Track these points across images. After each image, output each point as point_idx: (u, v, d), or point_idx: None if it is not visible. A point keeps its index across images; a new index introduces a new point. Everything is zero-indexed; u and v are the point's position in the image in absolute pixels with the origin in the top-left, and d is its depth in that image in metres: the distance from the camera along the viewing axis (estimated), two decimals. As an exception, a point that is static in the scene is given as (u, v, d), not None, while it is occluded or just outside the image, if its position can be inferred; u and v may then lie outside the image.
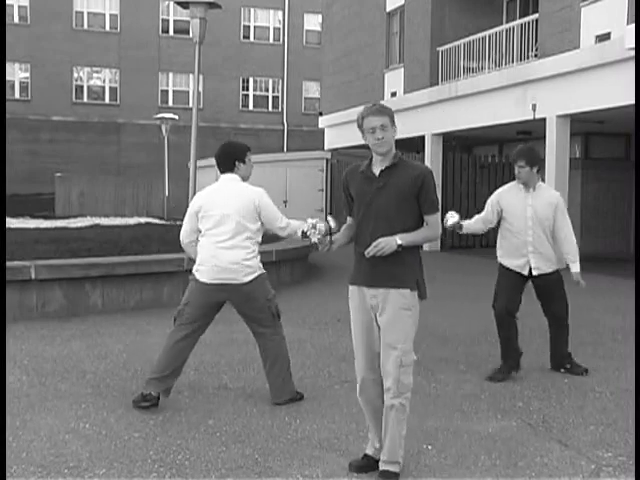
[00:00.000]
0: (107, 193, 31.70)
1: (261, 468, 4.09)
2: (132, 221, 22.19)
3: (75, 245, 10.97)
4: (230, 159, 5.26)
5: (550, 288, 6.16)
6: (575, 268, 6.10)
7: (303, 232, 3.99)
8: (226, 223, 5.09)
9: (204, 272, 5.14)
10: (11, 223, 17.06)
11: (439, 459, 4.22)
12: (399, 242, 3.81)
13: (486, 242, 19.47)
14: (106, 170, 34.98)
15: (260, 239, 5.27)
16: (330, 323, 8.47)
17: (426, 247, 18.89)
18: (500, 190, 6.28)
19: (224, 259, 5.06)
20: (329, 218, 4.00)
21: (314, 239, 3.91)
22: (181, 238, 5.42)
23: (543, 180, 6.18)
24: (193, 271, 5.23)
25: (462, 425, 4.81)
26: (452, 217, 6.00)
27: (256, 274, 5.15)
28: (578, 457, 4.29)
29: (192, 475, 4.00)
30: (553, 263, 6.13)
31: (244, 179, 5.31)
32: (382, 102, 3.84)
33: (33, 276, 8.48)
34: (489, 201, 6.27)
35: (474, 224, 6.27)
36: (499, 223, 6.23)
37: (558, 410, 5.20)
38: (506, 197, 6.15)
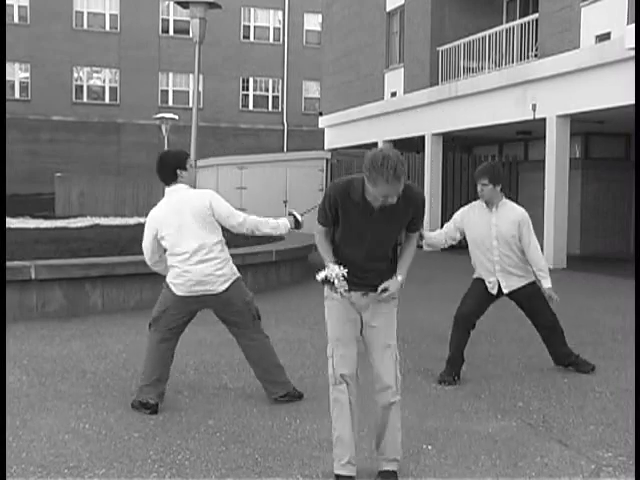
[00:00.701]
0: (107, 193, 31.72)
1: (261, 468, 4.08)
2: (132, 221, 22.18)
3: (75, 245, 10.97)
4: (171, 169, 5.16)
5: (527, 301, 6.14)
6: (547, 284, 6.04)
7: (328, 280, 3.75)
8: (186, 240, 5.02)
9: (179, 286, 5.11)
10: (11, 223, 17.06)
11: (439, 459, 4.22)
12: (401, 278, 3.93)
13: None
14: (106, 170, 34.99)
15: (225, 244, 5.18)
16: (330, 323, 8.45)
17: (426, 247, 18.88)
18: (465, 209, 6.21)
19: (196, 273, 5.02)
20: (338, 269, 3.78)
21: (341, 289, 3.76)
22: (146, 259, 5.36)
23: (507, 196, 6.10)
24: (167, 281, 5.19)
25: (462, 425, 4.81)
26: None
27: (231, 281, 5.11)
28: (578, 457, 4.29)
29: (192, 475, 3.99)
30: (525, 277, 6.08)
31: (191, 185, 5.24)
32: (386, 150, 3.57)
33: (33, 276, 8.48)
34: (453, 218, 6.23)
35: (436, 236, 6.20)
36: (464, 239, 6.21)
37: (558, 410, 5.20)
38: (470, 216, 6.09)
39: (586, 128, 16.87)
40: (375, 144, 21.78)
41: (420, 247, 5.62)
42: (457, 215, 6.23)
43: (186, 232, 5.03)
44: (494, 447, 4.44)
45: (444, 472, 4.06)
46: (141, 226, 20.35)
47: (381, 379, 3.89)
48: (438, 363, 6.48)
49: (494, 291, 6.05)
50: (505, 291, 6.05)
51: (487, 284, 6.06)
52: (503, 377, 6.10)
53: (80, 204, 31.17)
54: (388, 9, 21.67)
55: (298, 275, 12.33)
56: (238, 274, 5.21)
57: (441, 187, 19.18)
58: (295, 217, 5.35)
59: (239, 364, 6.41)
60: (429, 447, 4.37)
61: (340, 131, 24.37)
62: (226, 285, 5.08)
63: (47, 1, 34.85)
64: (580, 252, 17.20)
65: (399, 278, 3.91)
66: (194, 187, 5.32)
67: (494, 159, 20.37)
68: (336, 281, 3.73)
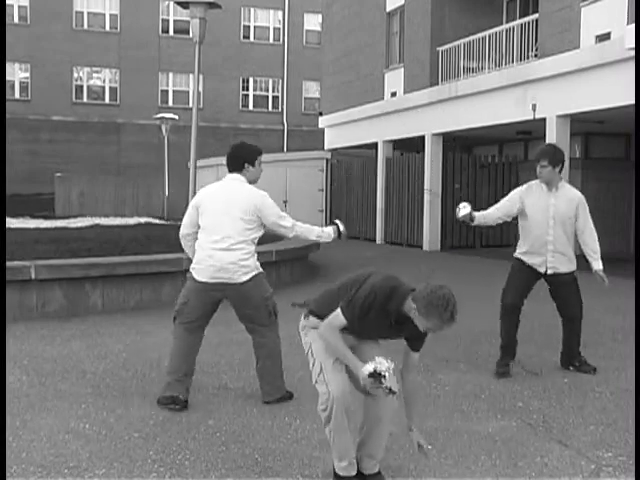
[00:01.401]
0: (107, 193, 31.72)
1: (261, 468, 4.09)
2: (132, 221, 22.20)
3: (75, 245, 10.97)
4: (239, 161, 5.27)
5: (565, 288, 6.20)
6: (597, 265, 6.13)
7: (378, 374, 3.46)
8: (223, 222, 5.09)
9: (200, 271, 5.14)
10: (11, 223, 17.06)
11: (439, 459, 4.22)
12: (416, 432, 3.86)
13: (486, 242, 19.50)
14: (106, 170, 34.98)
15: (256, 240, 5.25)
16: (330, 323, 8.45)
17: (426, 247, 18.91)
18: (523, 187, 6.28)
19: (220, 259, 5.06)
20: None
21: (387, 385, 3.48)
22: (180, 231, 5.43)
23: (562, 175, 6.18)
24: (190, 269, 5.24)
25: (462, 425, 4.81)
26: (464, 208, 6.01)
27: (253, 274, 5.14)
28: (578, 457, 4.29)
29: (192, 475, 4.00)
30: (571, 264, 6.17)
31: (251, 182, 5.30)
32: (443, 289, 3.49)
33: (33, 276, 8.48)
34: (511, 195, 6.29)
35: (490, 214, 6.28)
36: (515, 218, 6.25)
37: (558, 410, 5.20)
38: (529, 195, 6.17)
39: (586, 128, 16.87)
40: (375, 144, 21.80)
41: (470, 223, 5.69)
42: (515, 193, 6.28)
43: (225, 219, 5.08)
44: (494, 447, 4.44)
45: (444, 472, 4.06)
46: (141, 226, 20.29)
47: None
48: (438, 362, 6.48)
49: (542, 269, 6.10)
50: (550, 272, 6.10)
51: (535, 262, 6.10)
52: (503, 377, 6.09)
53: (80, 204, 31.17)
54: (388, 9, 21.66)
55: (298, 275, 12.33)
56: (261, 270, 5.24)
57: (441, 187, 19.18)
58: (338, 227, 5.44)
59: (239, 364, 6.41)
60: (429, 447, 4.36)
61: (340, 131, 24.36)
62: (247, 277, 5.11)
63: (47, 1, 34.84)
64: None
65: (414, 433, 3.84)
66: (254, 183, 5.34)
67: (494, 159, 20.38)
68: (387, 375, 3.45)
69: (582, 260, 6.35)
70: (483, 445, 4.46)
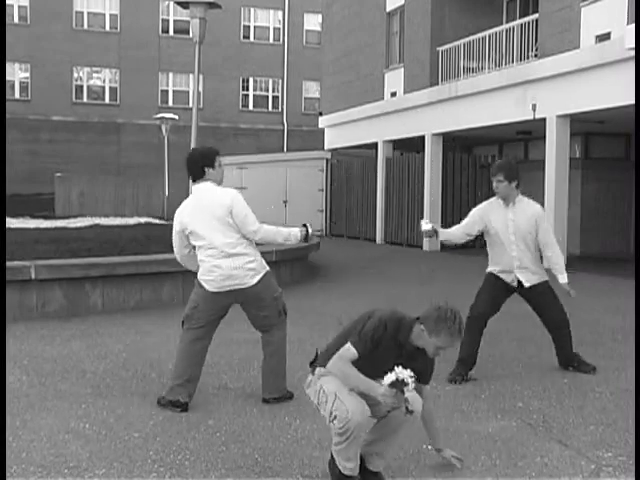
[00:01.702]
0: (107, 193, 31.71)
1: (261, 468, 4.08)
2: (132, 221, 22.19)
3: (75, 245, 10.97)
4: (198, 165, 5.20)
5: (542, 299, 6.16)
6: (563, 279, 6.10)
7: (401, 381, 3.47)
8: (213, 234, 5.06)
9: (209, 282, 5.14)
10: (11, 223, 17.05)
11: (439, 459, 4.22)
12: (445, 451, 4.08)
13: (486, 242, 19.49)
14: (106, 170, 34.98)
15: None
16: (330, 323, 8.46)
17: (426, 247, 18.91)
18: (482, 205, 6.23)
19: (226, 267, 5.07)
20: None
21: (407, 394, 3.51)
22: (175, 255, 5.43)
23: (523, 193, 6.15)
24: (198, 278, 5.22)
25: (462, 425, 4.81)
26: (426, 224, 5.97)
27: (261, 275, 5.15)
28: (578, 457, 4.29)
29: (192, 475, 3.99)
30: (540, 275, 6.13)
31: (218, 183, 5.25)
32: (448, 306, 3.68)
33: (33, 276, 8.48)
34: (471, 214, 6.23)
35: (453, 232, 6.24)
36: (482, 235, 6.24)
37: (558, 410, 5.20)
38: (488, 212, 6.12)
39: (586, 128, 16.87)
40: (375, 144, 21.80)
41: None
42: (476, 211, 6.23)
43: (213, 228, 5.06)
44: (494, 447, 4.44)
45: (444, 472, 4.06)
46: (141, 226, 20.40)
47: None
48: (438, 363, 6.46)
49: (515, 284, 6.09)
50: (526, 285, 6.08)
51: (506, 279, 6.09)
52: (503, 377, 6.10)
53: (80, 204, 31.16)
54: (388, 9, 21.66)
55: (298, 275, 12.33)
56: (268, 268, 5.25)
57: (441, 187, 19.18)
58: (307, 229, 5.42)
59: (239, 364, 6.41)
60: (429, 447, 4.36)
61: (340, 131, 24.37)
62: (256, 279, 5.12)
63: (47, 1, 34.84)
64: (580, 252, 17.19)
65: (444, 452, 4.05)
66: (220, 185, 5.30)
67: (494, 159, 20.38)
68: (410, 381, 3.47)
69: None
70: (483, 445, 4.46)
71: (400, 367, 3.52)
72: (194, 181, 5.24)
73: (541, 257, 6.23)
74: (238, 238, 5.10)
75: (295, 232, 5.35)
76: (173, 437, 4.55)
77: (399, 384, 3.46)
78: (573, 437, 4.63)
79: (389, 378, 3.48)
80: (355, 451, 3.75)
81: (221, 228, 5.06)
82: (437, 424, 4.16)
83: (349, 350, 3.68)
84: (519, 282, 6.09)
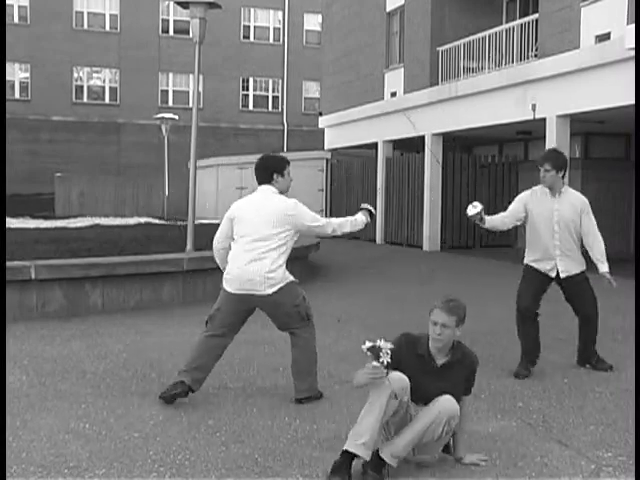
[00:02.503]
0: (107, 193, 31.72)
1: (261, 468, 4.09)
2: (132, 221, 22.21)
3: (75, 245, 10.98)
4: (268, 172, 5.35)
5: (579, 289, 6.24)
6: (604, 268, 6.18)
7: (376, 348, 3.87)
8: (255, 233, 5.17)
9: (230, 281, 5.24)
10: (11, 223, 17.07)
11: (439, 459, 4.22)
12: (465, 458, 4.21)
13: (485, 242, 19.49)
14: (106, 170, 34.99)
15: (288, 252, 5.32)
16: (330, 323, 8.46)
17: (426, 247, 18.91)
18: (527, 192, 6.31)
19: (248, 270, 5.14)
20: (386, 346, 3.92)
21: (386, 359, 3.87)
22: (214, 243, 5.54)
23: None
24: (223, 278, 5.32)
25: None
26: (475, 207, 5.99)
27: (279, 285, 5.19)
28: (578, 457, 4.29)
29: (192, 475, 4.00)
30: (580, 265, 6.23)
31: (282, 192, 5.38)
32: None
33: (33, 276, 8.48)
34: (517, 200, 6.31)
35: (499, 218, 6.32)
36: (523, 224, 6.29)
37: (558, 410, 5.20)
38: (532, 201, 6.20)
39: (586, 128, 16.86)
40: (375, 144, 21.79)
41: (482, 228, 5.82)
42: (520, 199, 6.29)
43: (256, 229, 5.17)
44: (494, 447, 4.44)
45: (444, 472, 4.06)
46: (141, 226, 20.33)
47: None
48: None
49: (553, 274, 6.15)
50: (562, 275, 6.15)
51: (546, 268, 6.15)
52: (503, 377, 6.10)
53: (80, 204, 31.16)
54: (388, 9, 21.66)
55: (298, 275, 12.20)
56: (292, 278, 5.30)
57: (441, 187, 19.17)
58: (369, 210, 5.57)
59: (239, 364, 6.41)
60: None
61: (340, 131, 24.36)
62: (273, 289, 5.16)
63: (47, 1, 34.84)
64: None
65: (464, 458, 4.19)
66: (285, 193, 5.43)
67: (494, 159, 20.38)
68: (383, 352, 3.84)
69: (589, 261, 6.38)
70: (483, 445, 4.46)
71: (384, 342, 3.88)
72: (260, 184, 5.38)
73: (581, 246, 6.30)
74: (274, 244, 5.17)
75: (360, 217, 5.53)
76: (173, 437, 4.56)
77: (375, 350, 3.84)
78: (573, 437, 4.63)
79: (369, 343, 3.87)
80: (367, 428, 3.85)
81: (267, 228, 5.16)
82: (465, 435, 4.24)
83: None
84: (557, 271, 6.15)
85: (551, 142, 14.82)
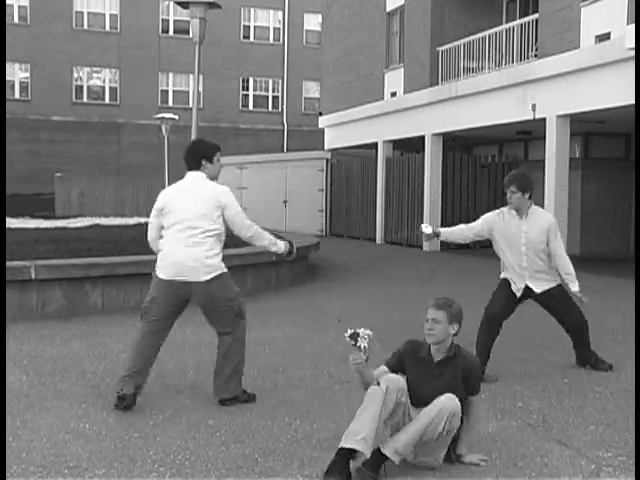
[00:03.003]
0: (107, 193, 31.72)
1: (261, 468, 4.08)
2: (132, 221, 22.18)
3: (75, 245, 10.97)
4: (196, 157, 5.23)
5: (556, 301, 6.22)
6: (575, 287, 6.14)
7: (357, 336, 4.09)
8: (186, 219, 5.07)
9: (163, 268, 5.12)
10: (11, 223, 17.05)
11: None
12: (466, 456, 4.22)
13: (486, 242, 19.49)
14: (106, 170, 34.99)
15: (223, 238, 5.21)
16: (330, 323, 8.46)
17: (426, 247, 18.91)
18: (494, 214, 6.26)
19: (183, 256, 5.04)
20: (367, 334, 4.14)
21: (363, 344, 4.08)
22: (148, 236, 5.43)
23: (532, 200, 6.19)
24: (156, 265, 5.21)
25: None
26: (426, 227, 6.06)
27: (215, 273, 5.09)
28: (578, 457, 4.29)
29: (192, 475, 3.99)
30: (552, 281, 6.18)
31: (212, 179, 5.26)
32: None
33: (33, 276, 8.48)
34: (482, 220, 6.27)
35: (459, 232, 6.31)
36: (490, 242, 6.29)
37: (558, 410, 5.20)
38: (498, 224, 6.16)
39: (586, 128, 16.86)
40: (375, 144, 21.80)
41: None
42: (485, 219, 6.27)
43: (188, 215, 5.07)
44: (494, 447, 4.44)
45: (444, 472, 4.06)
46: (141, 226, 20.43)
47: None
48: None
49: (518, 294, 6.14)
50: (537, 291, 6.13)
51: (514, 287, 6.14)
52: (503, 377, 6.09)
53: (80, 204, 31.17)
54: (388, 9, 21.66)
55: (298, 275, 12.33)
56: (225, 270, 5.19)
57: (441, 187, 19.18)
58: (292, 245, 5.54)
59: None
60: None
61: (340, 131, 24.36)
62: (209, 276, 5.06)
63: (47, 1, 34.84)
64: (580, 252, 17.18)
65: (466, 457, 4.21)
66: (215, 180, 5.32)
67: (494, 159, 20.38)
68: (361, 337, 4.07)
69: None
70: (483, 445, 4.46)
71: (366, 331, 4.11)
72: (189, 170, 5.27)
73: None
74: (209, 230, 5.07)
75: (280, 244, 5.44)
76: (173, 437, 4.55)
77: (354, 335, 4.07)
78: (573, 437, 4.63)
79: (350, 330, 4.09)
80: (362, 425, 3.90)
81: (200, 213, 5.06)
82: (469, 434, 4.25)
83: (381, 365, 4.34)
84: (528, 289, 6.13)
85: (551, 142, 14.85)
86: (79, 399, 5.34)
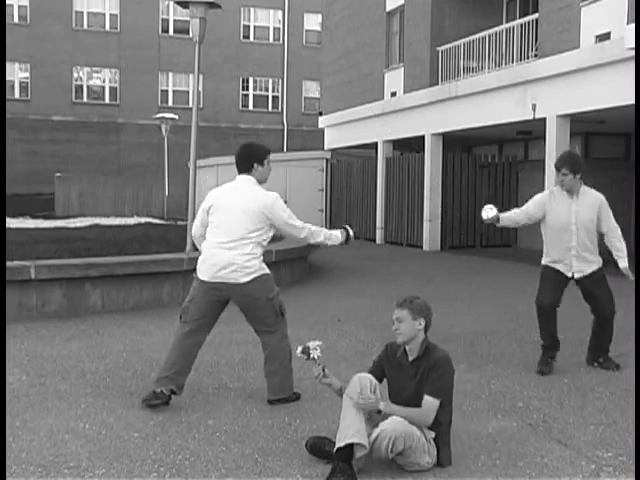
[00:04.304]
0: (107, 193, 31.73)
1: (261, 468, 4.08)
2: (132, 221, 22.22)
3: (75, 245, 10.98)
4: (248, 161, 5.28)
5: (595, 288, 6.27)
6: (623, 263, 6.24)
7: (306, 347, 4.24)
8: (231, 221, 5.11)
9: (204, 270, 5.17)
10: (11, 223, 17.07)
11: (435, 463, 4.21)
12: (381, 407, 4.07)
13: (486, 242, 19.50)
14: (106, 170, 34.99)
15: (265, 243, 5.26)
16: (330, 323, 8.47)
17: (426, 247, 18.91)
18: (546, 194, 6.35)
19: (223, 258, 5.08)
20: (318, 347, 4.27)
21: (315, 354, 4.22)
22: (192, 232, 5.53)
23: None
24: (197, 267, 5.26)
25: (462, 425, 4.80)
26: (491, 210, 6.04)
27: (255, 275, 5.13)
28: (578, 457, 4.29)
29: (192, 475, 3.99)
30: (596, 264, 6.25)
31: (261, 182, 5.32)
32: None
33: (33, 276, 8.48)
34: (535, 199, 6.35)
35: (514, 216, 6.37)
36: (538, 223, 6.31)
37: (558, 410, 5.20)
38: (551, 203, 6.24)
39: (586, 128, 16.86)
40: (375, 144, 21.79)
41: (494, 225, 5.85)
42: (539, 198, 6.33)
43: (232, 218, 5.12)
44: (494, 447, 4.44)
45: (444, 472, 4.06)
46: (141, 226, 20.34)
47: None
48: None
49: (569, 273, 6.19)
50: (577, 276, 6.19)
51: (562, 268, 6.18)
52: (503, 377, 6.10)
53: (80, 204, 31.18)
54: (388, 9, 21.66)
55: (298, 275, 12.33)
56: (266, 271, 5.24)
57: (441, 187, 19.17)
58: (348, 231, 5.50)
59: (239, 364, 6.41)
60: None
61: (340, 131, 24.37)
62: (249, 278, 5.11)
63: (47, 1, 34.84)
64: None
65: (381, 405, 4.09)
66: (264, 183, 5.37)
67: (494, 159, 20.37)
68: (312, 349, 4.23)
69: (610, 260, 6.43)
70: (483, 445, 4.46)
71: (315, 342, 4.27)
72: (240, 173, 5.31)
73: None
74: (252, 237, 5.12)
75: (336, 233, 5.46)
76: (173, 437, 4.55)
77: (306, 350, 4.21)
78: (573, 437, 4.63)
79: (300, 346, 4.27)
80: (351, 422, 3.96)
81: (243, 223, 5.10)
82: (408, 413, 4.05)
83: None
84: (572, 273, 6.20)
85: (551, 142, 14.84)
86: (79, 399, 5.34)
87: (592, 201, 6.19)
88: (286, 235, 5.37)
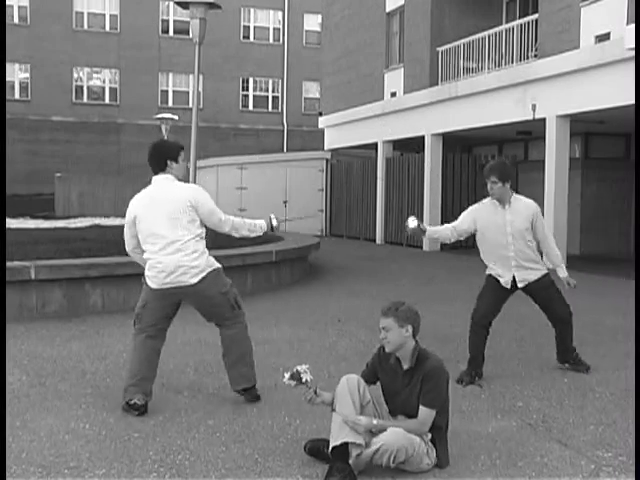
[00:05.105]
0: (107, 193, 31.72)
1: (261, 468, 4.08)
2: (132, 221, 22.08)
3: (75, 245, 10.97)
4: (162, 158, 5.13)
5: (543, 293, 6.14)
6: (562, 272, 6.14)
7: (297, 371, 4.11)
8: (163, 227, 5.00)
9: (152, 278, 5.08)
10: (11, 223, 17.06)
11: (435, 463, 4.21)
12: (375, 422, 4.02)
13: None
14: (106, 170, 34.98)
15: (203, 235, 5.14)
16: (330, 323, 8.47)
17: (426, 247, 18.91)
18: (476, 207, 6.19)
19: (169, 264, 4.99)
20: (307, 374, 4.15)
21: (306, 377, 4.11)
22: (126, 247, 5.39)
23: (516, 191, 6.10)
24: (145, 274, 5.16)
25: (462, 425, 4.81)
26: (412, 222, 5.91)
27: (204, 273, 5.04)
28: (578, 457, 4.29)
29: (192, 475, 3.99)
30: (539, 270, 6.10)
31: (178, 179, 5.19)
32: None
33: (33, 276, 8.48)
34: (464, 214, 6.20)
35: (443, 231, 6.24)
36: (473, 237, 6.23)
37: (558, 410, 5.20)
38: (483, 215, 6.08)
39: (586, 128, 16.86)
40: (375, 144, 21.80)
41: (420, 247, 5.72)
42: (469, 212, 6.19)
43: (163, 222, 5.01)
44: (494, 447, 4.44)
45: (444, 472, 4.06)
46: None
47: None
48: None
49: (508, 286, 6.07)
50: (520, 285, 6.06)
51: (501, 280, 6.06)
52: (503, 377, 6.10)
53: (80, 204, 31.17)
54: (388, 9, 21.67)
55: (298, 275, 12.33)
56: (216, 265, 5.15)
57: (441, 187, 19.18)
58: (271, 220, 5.45)
59: (239, 364, 6.40)
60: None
61: (340, 131, 24.37)
62: (199, 277, 5.02)
63: (47, 1, 34.83)
64: (580, 252, 17.20)
65: (374, 421, 4.04)
66: (183, 180, 5.25)
67: (494, 159, 20.36)
68: (302, 373, 4.09)
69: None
70: (483, 445, 4.46)
71: (303, 366, 4.14)
72: (155, 174, 5.17)
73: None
74: (189, 234, 5.02)
75: (260, 223, 5.39)
76: (173, 437, 4.55)
77: (296, 375, 4.10)
78: (573, 437, 4.63)
79: (287, 373, 4.12)
80: (335, 426, 3.98)
81: (173, 223, 4.99)
82: (406, 426, 4.05)
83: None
84: (514, 282, 6.07)
85: (551, 142, 14.85)
86: (79, 399, 5.34)
87: (525, 209, 6.02)
88: (210, 227, 5.17)
